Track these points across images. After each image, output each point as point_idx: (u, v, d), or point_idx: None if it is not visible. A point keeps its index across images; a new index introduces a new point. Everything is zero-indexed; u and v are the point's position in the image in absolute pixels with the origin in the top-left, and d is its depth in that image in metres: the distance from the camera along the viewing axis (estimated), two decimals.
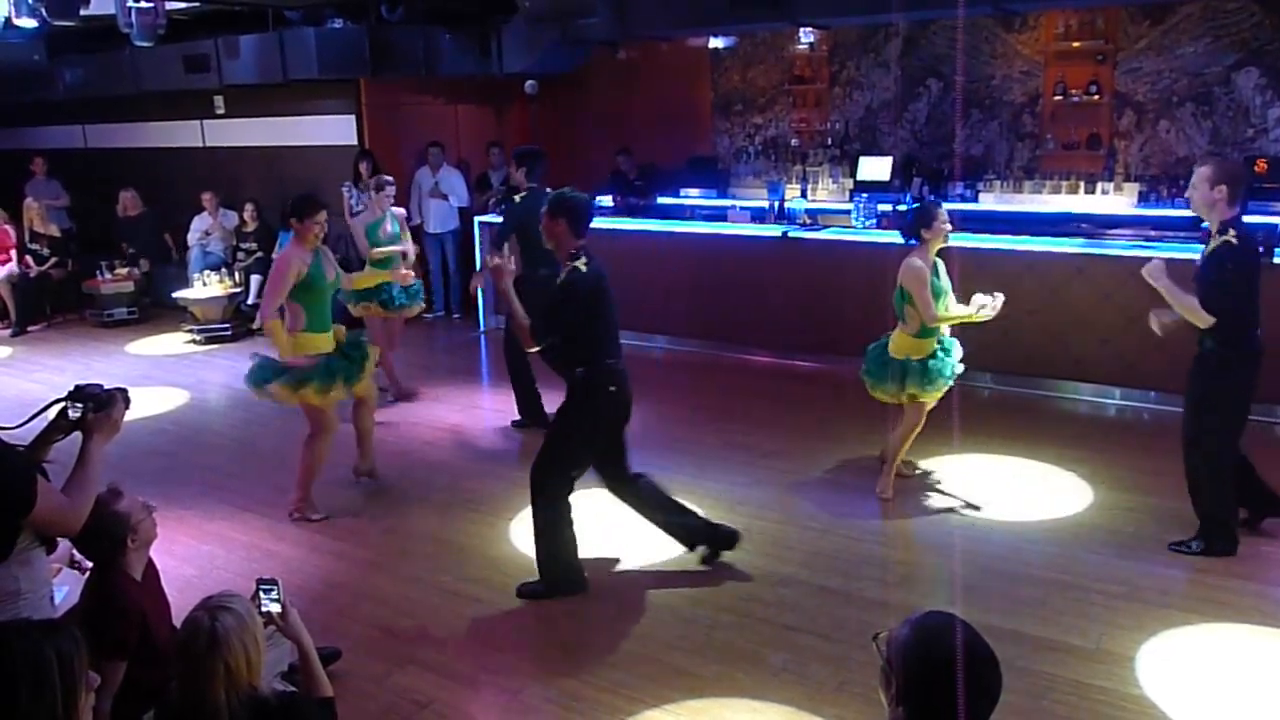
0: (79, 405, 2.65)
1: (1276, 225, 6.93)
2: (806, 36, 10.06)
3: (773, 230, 8.23)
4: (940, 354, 5.13)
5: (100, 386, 2.72)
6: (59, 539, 2.76)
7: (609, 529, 5.08)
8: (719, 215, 9.37)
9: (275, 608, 2.74)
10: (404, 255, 7.09)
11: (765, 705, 3.56)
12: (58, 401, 2.68)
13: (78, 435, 2.66)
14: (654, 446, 6.27)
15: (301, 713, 2.57)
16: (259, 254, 10.16)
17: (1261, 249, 5.79)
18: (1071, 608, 4.15)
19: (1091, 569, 4.47)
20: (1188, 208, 7.90)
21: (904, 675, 1.86)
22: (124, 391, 2.75)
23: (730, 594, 4.37)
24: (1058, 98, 8.86)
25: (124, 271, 10.60)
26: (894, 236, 7.66)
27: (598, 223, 9.83)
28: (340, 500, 5.48)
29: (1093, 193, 8.60)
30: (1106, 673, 3.68)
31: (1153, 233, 7.64)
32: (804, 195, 9.47)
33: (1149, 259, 6.69)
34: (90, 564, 3.17)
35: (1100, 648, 3.84)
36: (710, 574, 4.56)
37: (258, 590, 2.76)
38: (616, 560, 4.73)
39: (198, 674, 2.37)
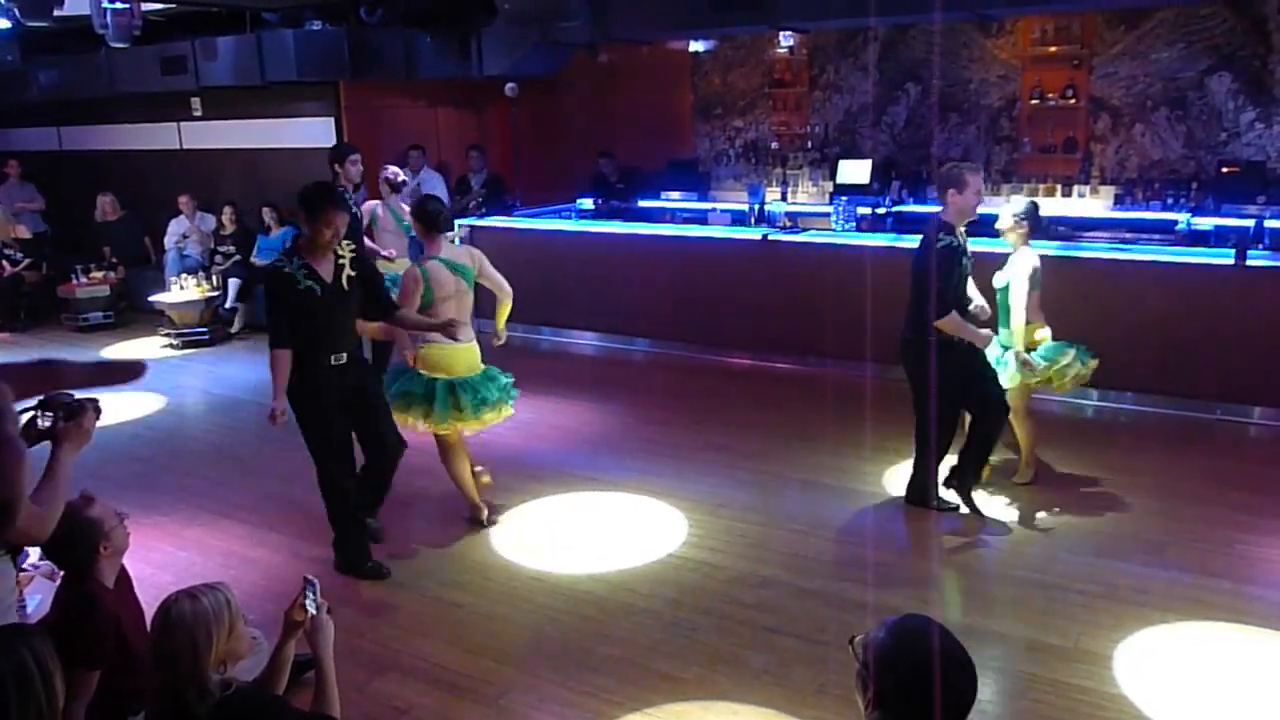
0: (49, 414, 2.62)
1: (1249, 229, 7.03)
2: (786, 40, 10.10)
3: (753, 233, 8.26)
4: None
5: (70, 395, 2.69)
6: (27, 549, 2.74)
7: (588, 533, 5.09)
8: (699, 218, 9.41)
9: (310, 610, 2.69)
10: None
11: (746, 708, 3.57)
12: (27, 410, 2.65)
13: (47, 443, 2.63)
14: (633, 448, 6.29)
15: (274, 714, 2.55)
16: (236, 257, 10.10)
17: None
18: (1050, 607, 4.18)
19: (1069, 569, 4.50)
20: (1163, 210, 8.06)
21: (880, 679, 1.86)
22: (94, 401, 2.72)
23: (711, 597, 4.37)
24: (1034, 102, 8.93)
25: (100, 275, 10.50)
26: (873, 239, 7.73)
27: (579, 225, 9.88)
28: (319, 506, 5.42)
29: (1069, 195, 8.67)
30: (1085, 671, 3.70)
31: (1128, 235, 7.73)
32: (784, 198, 9.52)
33: (1125, 261, 6.84)
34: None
35: (1078, 647, 3.87)
36: (691, 577, 4.56)
37: (304, 588, 2.73)
38: (597, 564, 4.72)
39: (153, 649, 2.48)
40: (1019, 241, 5.13)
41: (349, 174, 7.04)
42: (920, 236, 4.97)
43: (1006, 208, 5.24)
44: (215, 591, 2.52)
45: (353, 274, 4.40)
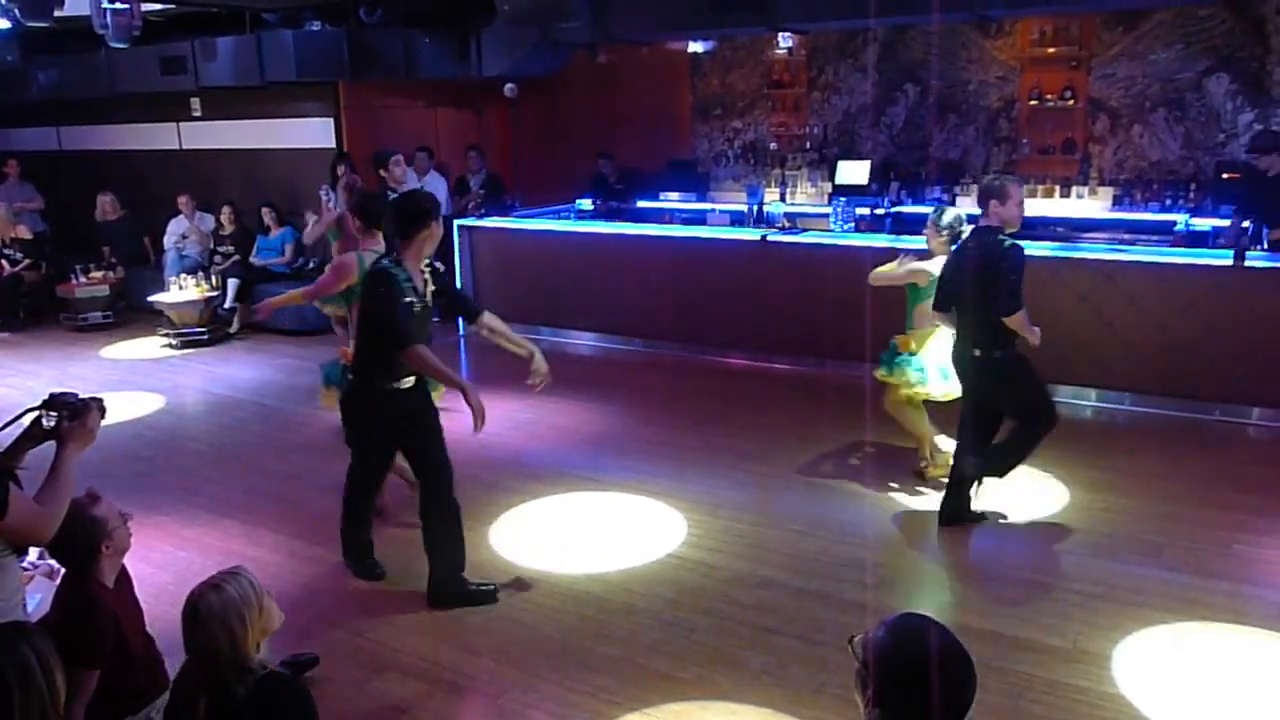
0: (53, 414, 2.63)
1: (1249, 229, 7.04)
2: (785, 41, 10.11)
3: (751, 234, 8.26)
4: None
5: (75, 395, 2.70)
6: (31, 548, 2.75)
7: (588, 533, 5.10)
8: (698, 219, 9.42)
9: None
10: None
11: (744, 708, 3.57)
12: (31, 410, 2.66)
13: (52, 443, 2.64)
14: (632, 448, 6.29)
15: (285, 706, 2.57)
16: (236, 257, 10.10)
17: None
18: (1048, 607, 4.18)
19: (1068, 569, 4.52)
20: (1161, 211, 8.08)
21: (879, 678, 1.87)
22: (99, 400, 2.73)
23: (710, 597, 4.38)
24: (1033, 102, 8.95)
25: (99, 275, 10.50)
26: (872, 240, 7.74)
27: (579, 226, 9.88)
28: (318, 505, 5.44)
29: (1068, 196, 8.68)
30: (1083, 672, 3.71)
31: (1126, 236, 7.74)
32: (783, 199, 9.53)
33: (1123, 261, 6.85)
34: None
35: (1076, 647, 3.88)
36: (690, 577, 4.57)
37: None
38: (597, 564, 4.73)
39: (189, 645, 2.52)
40: (941, 249, 5.19)
41: (394, 176, 7.05)
42: (974, 252, 4.78)
43: (936, 215, 5.33)
44: (237, 577, 2.57)
45: (434, 288, 4.21)
